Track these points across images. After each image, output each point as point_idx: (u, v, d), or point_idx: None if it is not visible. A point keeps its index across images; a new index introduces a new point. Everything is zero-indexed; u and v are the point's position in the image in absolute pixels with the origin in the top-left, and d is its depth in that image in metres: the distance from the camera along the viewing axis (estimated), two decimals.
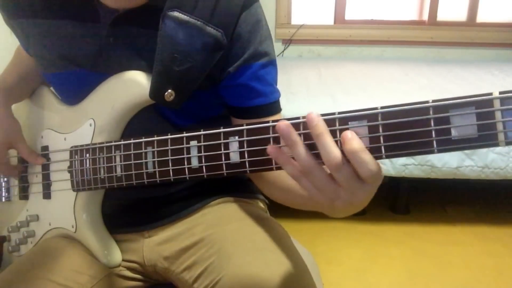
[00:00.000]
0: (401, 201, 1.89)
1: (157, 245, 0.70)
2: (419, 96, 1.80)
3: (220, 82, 0.65)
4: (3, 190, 0.80)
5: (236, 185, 0.78)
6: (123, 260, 0.70)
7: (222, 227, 0.66)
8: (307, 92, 1.86)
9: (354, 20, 2.74)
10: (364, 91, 1.88)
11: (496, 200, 2.02)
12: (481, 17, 2.70)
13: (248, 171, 0.48)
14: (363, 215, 1.87)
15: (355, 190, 0.42)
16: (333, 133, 0.42)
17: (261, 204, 0.81)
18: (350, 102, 1.72)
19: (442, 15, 2.70)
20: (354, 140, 0.40)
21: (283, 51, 2.72)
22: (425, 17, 2.72)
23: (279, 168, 0.46)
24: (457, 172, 1.59)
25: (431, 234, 1.75)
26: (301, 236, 1.48)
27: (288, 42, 2.69)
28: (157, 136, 0.55)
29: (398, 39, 2.68)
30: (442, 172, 1.61)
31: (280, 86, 0.70)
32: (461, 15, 2.73)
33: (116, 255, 0.69)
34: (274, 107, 0.67)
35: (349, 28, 2.71)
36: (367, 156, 0.40)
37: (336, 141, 0.41)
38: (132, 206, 0.72)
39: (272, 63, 0.67)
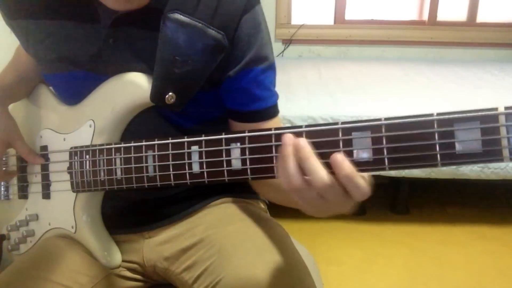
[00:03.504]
0: (401, 201, 1.89)
1: (157, 245, 0.70)
2: (419, 96, 1.81)
3: (221, 85, 0.65)
4: (2, 189, 0.80)
5: (236, 185, 0.77)
6: (123, 260, 0.70)
7: (222, 228, 0.66)
8: (307, 92, 1.86)
9: (354, 20, 2.74)
10: (364, 91, 1.88)
11: (496, 200, 2.01)
12: (481, 17, 2.70)
13: (250, 178, 0.48)
14: (363, 215, 1.87)
15: (343, 203, 0.43)
16: (335, 143, 0.42)
17: (261, 204, 0.81)
18: (350, 102, 1.72)
19: (442, 15, 2.70)
20: (345, 163, 0.40)
21: (283, 51, 2.72)
22: (425, 17, 2.71)
23: None
24: (457, 172, 1.59)
25: (431, 234, 1.75)
26: (301, 236, 1.48)
27: (288, 42, 2.69)
28: (158, 140, 0.55)
29: (398, 39, 2.68)
30: (442, 172, 1.61)
31: (280, 86, 0.70)
32: (461, 15, 2.72)
33: (116, 256, 0.69)
34: (271, 111, 0.68)
35: (349, 28, 2.70)
36: (360, 181, 0.40)
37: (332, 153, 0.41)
38: (132, 207, 0.71)
39: (272, 67, 0.68)
